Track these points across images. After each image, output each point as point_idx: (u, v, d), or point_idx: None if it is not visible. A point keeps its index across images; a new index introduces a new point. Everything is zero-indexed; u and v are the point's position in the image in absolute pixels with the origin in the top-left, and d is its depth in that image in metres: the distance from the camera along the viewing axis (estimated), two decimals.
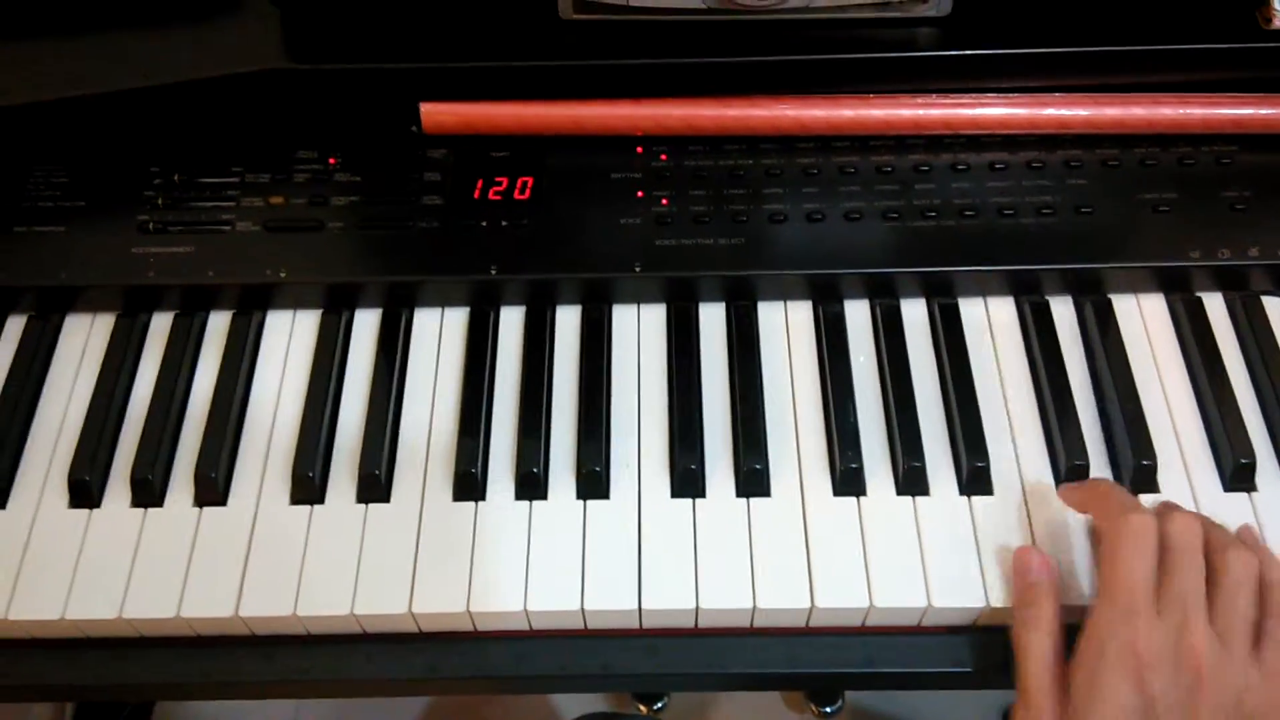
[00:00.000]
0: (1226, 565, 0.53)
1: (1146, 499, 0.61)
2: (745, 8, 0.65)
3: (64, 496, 0.63)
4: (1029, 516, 0.61)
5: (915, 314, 0.68)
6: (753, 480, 0.62)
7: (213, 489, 0.62)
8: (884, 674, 0.60)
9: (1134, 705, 0.49)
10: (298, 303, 0.70)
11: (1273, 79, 0.69)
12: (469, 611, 0.59)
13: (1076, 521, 0.60)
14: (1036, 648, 0.53)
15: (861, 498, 0.62)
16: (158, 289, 0.69)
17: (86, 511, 0.63)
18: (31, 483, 0.64)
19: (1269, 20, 0.68)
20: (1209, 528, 0.56)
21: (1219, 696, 0.49)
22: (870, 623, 0.60)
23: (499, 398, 0.66)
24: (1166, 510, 0.56)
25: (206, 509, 0.62)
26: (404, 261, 0.68)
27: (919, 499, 0.62)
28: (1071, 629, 0.54)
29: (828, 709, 1.05)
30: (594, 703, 1.16)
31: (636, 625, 0.60)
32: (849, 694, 1.09)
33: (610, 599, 0.59)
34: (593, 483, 0.62)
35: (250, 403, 0.67)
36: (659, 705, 1.06)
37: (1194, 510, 0.60)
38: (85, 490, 0.63)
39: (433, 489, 0.63)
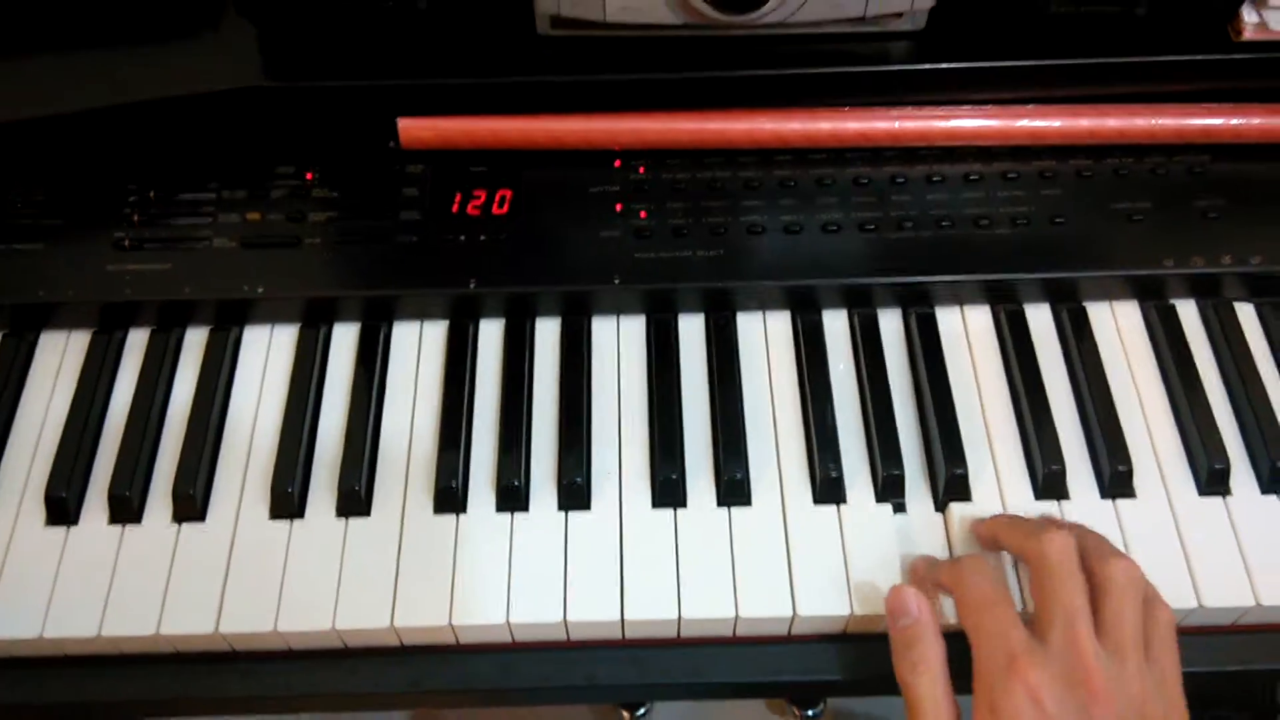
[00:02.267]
0: (1110, 575, 0.53)
1: (1122, 504, 0.62)
2: (721, 23, 0.66)
3: (41, 514, 0.63)
4: None
5: (893, 323, 0.69)
6: (733, 490, 0.62)
7: (191, 505, 0.62)
8: (867, 681, 0.60)
9: None
10: (275, 318, 0.70)
11: (1244, 90, 0.70)
12: (451, 625, 0.58)
13: None
14: (927, 689, 0.53)
15: (841, 506, 0.62)
16: (134, 305, 0.68)
17: (64, 529, 0.62)
18: (7, 500, 0.63)
19: (1239, 32, 0.69)
20: (1084, 537, 0.56)
21: (1119, 710, 0.49)
22: (852, 630, 0.60)
23: (479, 410, 0.66)
24: (1041, 529, 0.55)
25: (185, 525, 0.62)
26: (382, 275, 0.68)
27: (898, 506, 0.62)
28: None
29: (810, 712, 1.05)
30: (579, 713, 1.16)
31: (619, 636, 0.60)
32: (832, 703, 1.10)
33: (593, 610, 0.59)
34: (574, 494, 0.62)
35: (228, 418, 0.66)
36: (641, 711, 1.06)
37: (1169, 516, 0.61)
38: (62, 508, 0.62)
39: (413, 502, 0.63)
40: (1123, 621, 0.52)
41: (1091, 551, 0.55)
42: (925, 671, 0.53)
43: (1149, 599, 0.54)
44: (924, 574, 0.59)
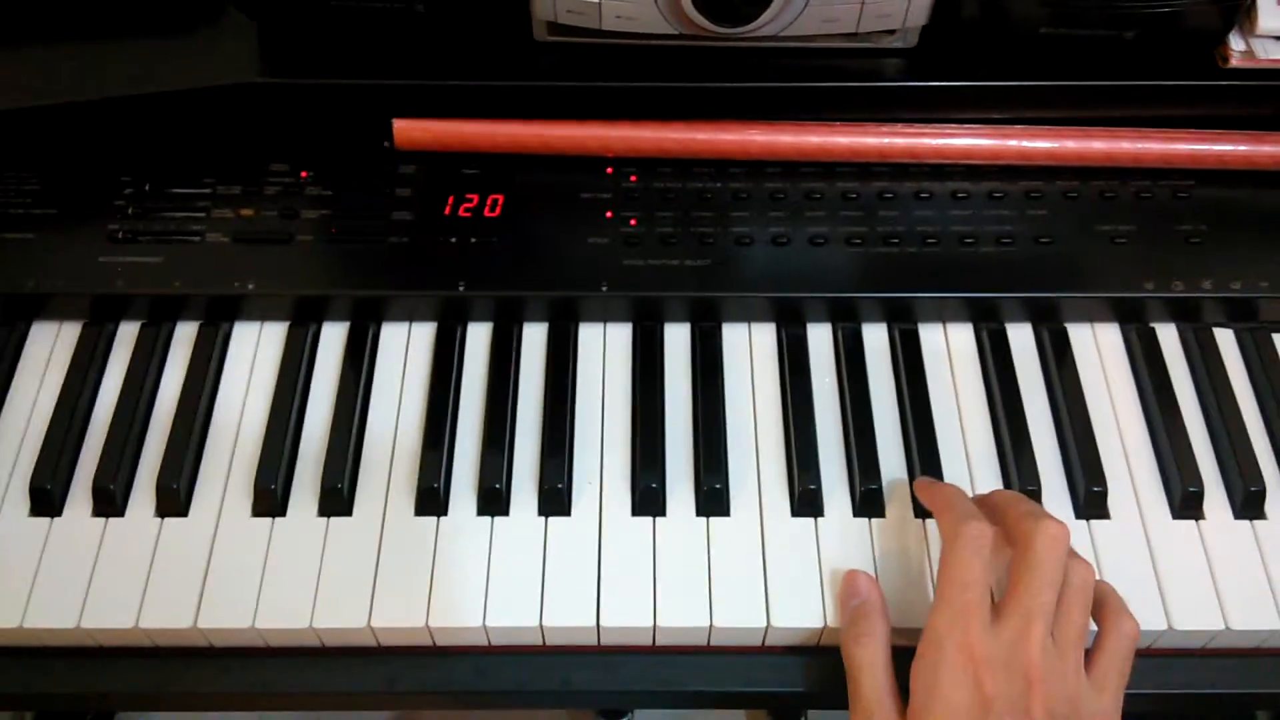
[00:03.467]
0: (1068, 580, 0.54)
1: (1096, 524, 0.63)
2: (716, 35, 0.66)
3: (25, 504, 0.63)
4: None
5: (876, 338, 0.70)
6: (713, 500, 0.63)
7: (174, 500, 0.63)
8: (841, 693, 0.61)
9: (972, 701, 0.50)
10: (265, 314, 0.70)
11: (1229, 117, 0.71)
12: (428, 626, 0.59)
13: None
14: (869, 658, 0.55)
15: (819, 519, 0.62)
16: (125, 298, 0.69)
17: (47, 520, 0.63)
18: None
19: (1226, 59, 0.70)
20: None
21: (1051, 701, 0.50)
22: (826, 642, 0.61)
23: (464, 413, 0.66)
24: (1037, 517, 0.55)
25: (168, 519, 0.63)
26: (372, 276, 0.69)
27: (875, 520, 0.63)
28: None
29: None
30: (557, 717, 1.16)
31: (595, 642, 0.61)
32: (811, 715, 1.10)
33: (569, 615, 0.59)
34: (554, 500, 0.62)
35: (214, 414, 0.67)
36: None
37: (1142, 538, 0.61)
38: (46, 498, 0.63)
39: (395, 503, 0.63)
40: (1069, 622, 0.53)
41: None
42: (869, 643, 0.55)
43: (1118, 610, 0.56)
44: (923, 482, 0.61)
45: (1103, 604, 0.56)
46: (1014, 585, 0.53)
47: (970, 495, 0.62)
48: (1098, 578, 0.58)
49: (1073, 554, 0.55)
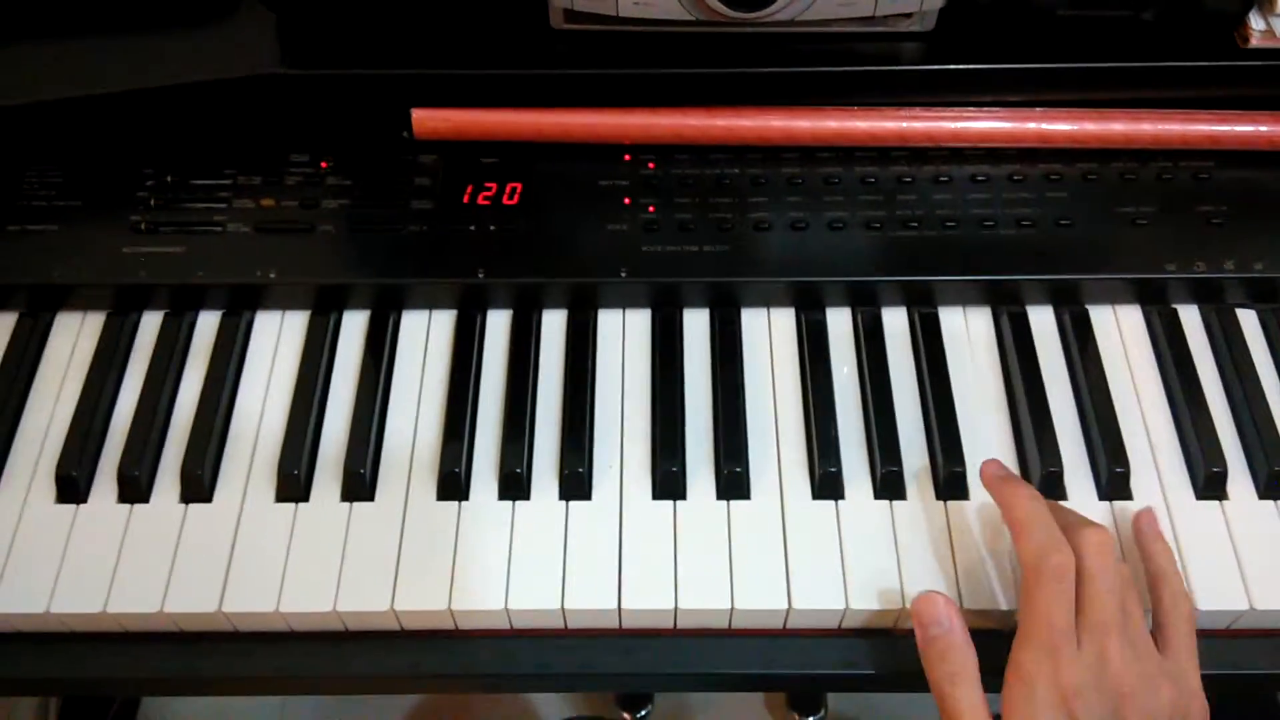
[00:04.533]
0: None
1: (1119, 506, 0.62)
2: (732, 20, 0.66)
3: (51, 491, 0.64)
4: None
5: (896, 322, 0.69)
6: (733, 483, 0.63)
7: (199, 486, 0.63)
8: (860, 675, 0.61)
9: None
10: (287, 304, 0.71)
11: (1249, 97, 0.71)
12: (450, 610, 0.59)
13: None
14: (968, 700, 0.53)
15: (840, 501, 0.62)
16: (148, 288, 0.69)
17: (73, 507, 0.63)
18: (19, 477, 0.64)
19: (1246, 40, 0.69)
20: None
21: (1144, 707, 0.50)
22: (846, 625, 0.61)
23: (484, 399, 0.67)
24: (1076, 528, 0.55)
25: (192, 505, 0.63)
26: (393, 264, 0.69)
27: (896, 503, 0.62)
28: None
29: (811, 718, 1.05)
30: (578, 708, 1.16)
31: (616, 625, 0.61)
32: (831, 702, 1.10)
33: (590, 599, 0.59)
34: (575, 484, 0.63)
35: (237, 401, 0.67)
36: (643, 713, 1.06)
37: (1165, 519, 0.61)
38: (72, 486, 0.63)
39: (417, 488, 0.63)
40: (1133, 622, 0.53)
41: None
42: (964, 683, 0.53)
43: (1176, 594, 0.56)
44: (995, 473, 0.60)
45: (1163, 584, 0.57)
46: (1079, 605, 0.53)
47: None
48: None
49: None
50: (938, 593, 0.57)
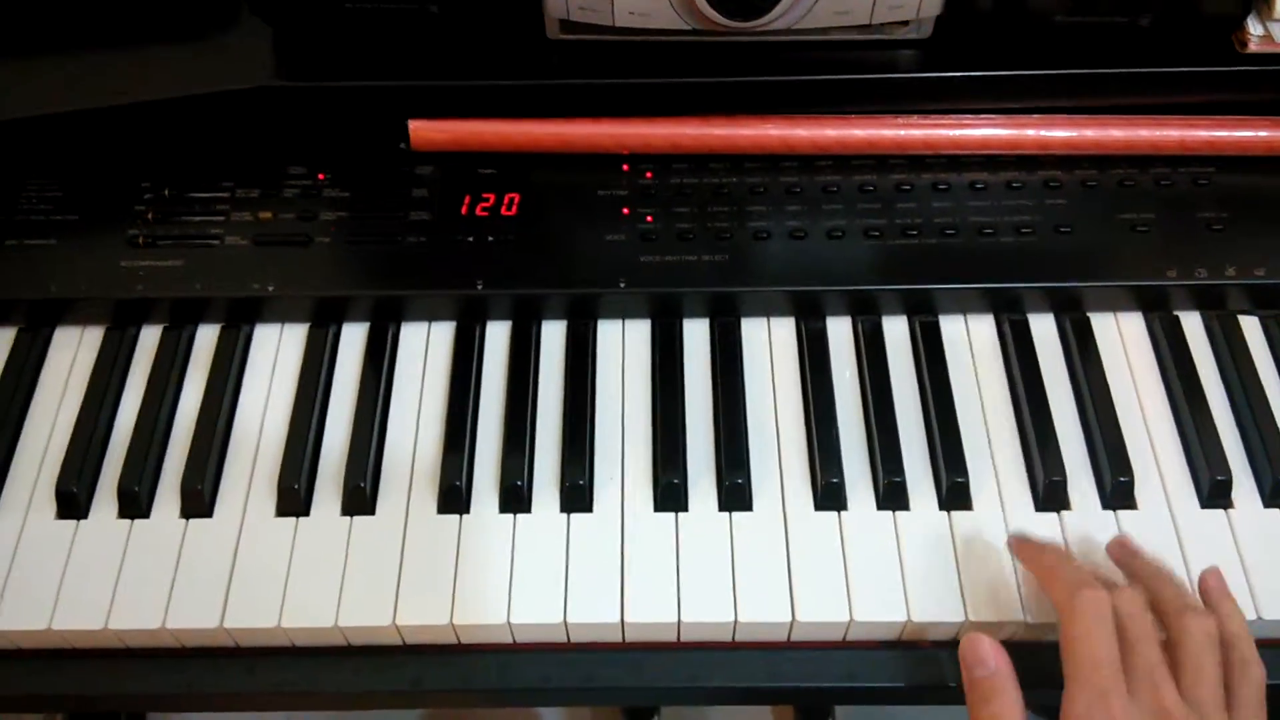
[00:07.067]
0: (1187, 630, 0.53)
1: (1123, 515, 0.62)
2: (729, 29, 0.66)
3: (51, 507, 0.64)
4: (1008, 532, 0.61)
5: (896, 331, 0.69)
6: (735, 495, 0.62)
7: (199, 501, 0.63)
8: (864, 688, 0.60)
9: None
10: (285, 316, 0.70)
11: (1248, 102, 0.71)
12: (453, 624, 0.59)
13: (1055, 534, 0.61)
14: None
15: (842, 512, 0.62)
16: (147, 302, 0.69)
17: (74, 522, 0.63)
18: (19, 493, 0.64)
19: (1244, 44, 0.69)
20: (1161, 586, 0.55)
21: None
22: (851, 637, 0.60)
23: (484, 411, 0.67)
24: (1107, 582, 0.55)
25: (192, 520, 0.63)
26: (391, 276, 0.69)
27: (899, 514, 0.62)
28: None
29: None
30: (581, 716, 1.16)
31: (619, 638, 0.60)
32: (839, 714, 1.09)
33: (593, 612, 0.59)
34: (576, 496, 0.62)
35: (237, 415, 0.67)
36: None
37: (1170, 528, 0.61)
38: (73, 501, 0.63)
39: (417, 502, 0.63)
40: (1201, 680, 0.51)
41: (1170, 602, 0.54)
42: None
43: (1245, 659, 0.54)
44: (1023, 544, 0.59)
45: (1230, 648, 0.54)
46: (1122, 654, 0.52)
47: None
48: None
49: (1192, 605, 0.54)
50: (983, 635, 0.55)
